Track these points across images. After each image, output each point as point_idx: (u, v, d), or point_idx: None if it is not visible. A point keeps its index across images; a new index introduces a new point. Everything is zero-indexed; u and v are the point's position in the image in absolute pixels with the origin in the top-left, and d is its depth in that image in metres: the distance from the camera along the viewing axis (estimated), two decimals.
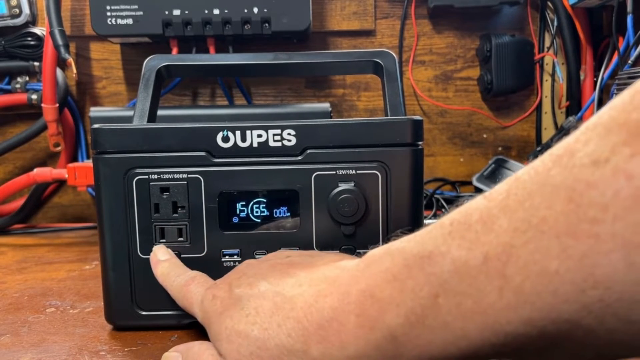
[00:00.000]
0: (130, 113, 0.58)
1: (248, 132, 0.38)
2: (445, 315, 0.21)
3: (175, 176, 0.39)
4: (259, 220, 0.39)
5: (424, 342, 0.22)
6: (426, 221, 0.76)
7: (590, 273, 0.18)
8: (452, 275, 0.21)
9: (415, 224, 0.39)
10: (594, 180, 0.18)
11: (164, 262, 0.38)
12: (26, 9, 0.82)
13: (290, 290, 0.28)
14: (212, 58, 0.55)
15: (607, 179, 0.18)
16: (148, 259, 0.39)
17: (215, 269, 0.38)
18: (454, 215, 0.23)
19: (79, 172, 0.67)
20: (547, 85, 0.90)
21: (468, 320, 0.21)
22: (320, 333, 0.24)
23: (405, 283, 0.22)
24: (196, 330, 0.40)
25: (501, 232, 0.20)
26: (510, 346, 0.21)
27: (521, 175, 0.21)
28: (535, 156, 0.87)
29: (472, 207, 0.22)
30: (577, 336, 0.19)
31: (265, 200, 0.39)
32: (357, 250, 0.39)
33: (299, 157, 0.39)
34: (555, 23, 0.86)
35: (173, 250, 0.39)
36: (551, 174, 0.20)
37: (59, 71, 0.81)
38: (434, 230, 0.23)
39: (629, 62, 0.70)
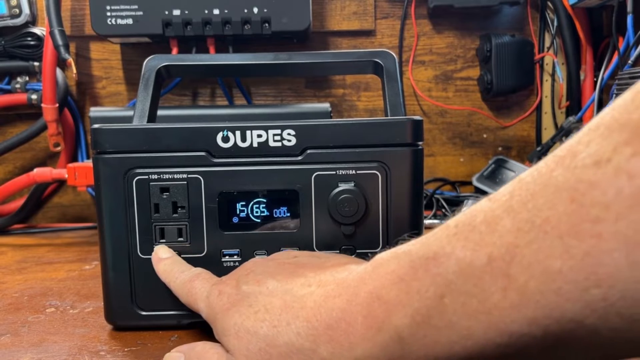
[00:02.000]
0: (130, 113, 0.58)
1: (248, 132, 0.38)
2: (450, 315, 0.22)
3: (175, 176, 0.39)
4: (259, 220, 0.39)
5: (430, 342, 0.22)
6: (426, 221, 0.76)
7: (593, 272, 0.18)
8: (457, 276, 0.22)
9: (415, 224, 0.39)
10: (596, 179, 0.18)
11: (166, 259, 0.38)
12: (26, 9, 0.82)
13: (299, 290, 0.28)
14: (212, 58, 0.55)
15: (609, 178, 0.18)
16: (148, 259, 0.39)
17: (215, 269, 0.38)
18: (459, 217, 0.23)
19: (79, 172, 0.67)
20: (547, 85, 0.90)
21: (473, 319, 0.21)
22: (328, 333, 0.25)
23: (411, 284, 0.23)
24: (196, 330, 0.40)
25: (505, 233, 0.21)
26: (515, 346, 0.21)
27: (524, 177, 0.21)
28: (535, 156, 0.87)
29: (476, 209, 0.23)
30: (581, 336, 0.19)
31: (265, 200, 0.39)
32: (357, 250, 0.39)
33: (299, 157, 0.39)
34: (555, 23, 0.86)
35: (173, 250, 0.39)
36: (554, 174, 0.20)
37: (59, 71, 0.81)
38: (439, 232, 0.23)
39: (629, 62, 0.70)
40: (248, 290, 0.30)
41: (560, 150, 0.21)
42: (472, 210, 0.23)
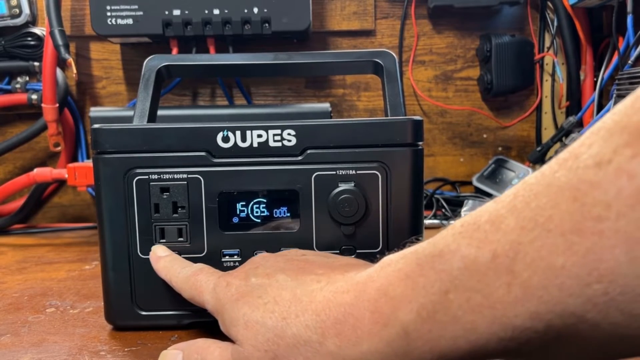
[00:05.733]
0: (130, 113, 0.58)
1: (248, 132, 0.38)
2: (455, 310, 0.22)
3: (175, 176, 0.39)
4: (259, 221, 0.39)
5: (434, 336, 0.23)
6: (426, 221, 0.76)
7: (594, 267, 0.19)
8: (462, 272, 0.22)
9: (415, 224, 0.39)
10: (597, 180, 0.19)
11: (165, 257, 0.38)
12: (26, 9, 0.82)
13: (309, 285, 0.29)
14: (212, 58, 0.55)
15: (610, 178, 0.19)
16: (148, 259, 0.39)
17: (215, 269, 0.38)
18: (465, 218, 0.24)
19: (79, 172, 0.67)
20: (547, 85, 0.90)
21: (477, 314, 0.22)
22: (336, 327, 0.26)
23: (417, 280, 0.24)
24: (196, 330, 0.40)
25: (509, 231, 0.21)
26: (517, 340, 0.21)
27: (528, 179, 0.22)
28: (535, 156, 0.87)
29: (482, 209, 0.23)
30: (583, 330, 0.20)
31: (265, 201, 0.39)
32: (357, 250, 0.39)
33: (299, 157, 0.39)
34: (555, 23, 0.86)
35: (173, 250, 0.39)
36: (556, 175, 0.21)
37: (59, 71, 0.81)
38: (445, 232, 0.24)
39: (629, 62, 0.70)
40: (257, 282, 0.31)
41: (563, 153, 0.21)
42: (478, 211, 0.24)
